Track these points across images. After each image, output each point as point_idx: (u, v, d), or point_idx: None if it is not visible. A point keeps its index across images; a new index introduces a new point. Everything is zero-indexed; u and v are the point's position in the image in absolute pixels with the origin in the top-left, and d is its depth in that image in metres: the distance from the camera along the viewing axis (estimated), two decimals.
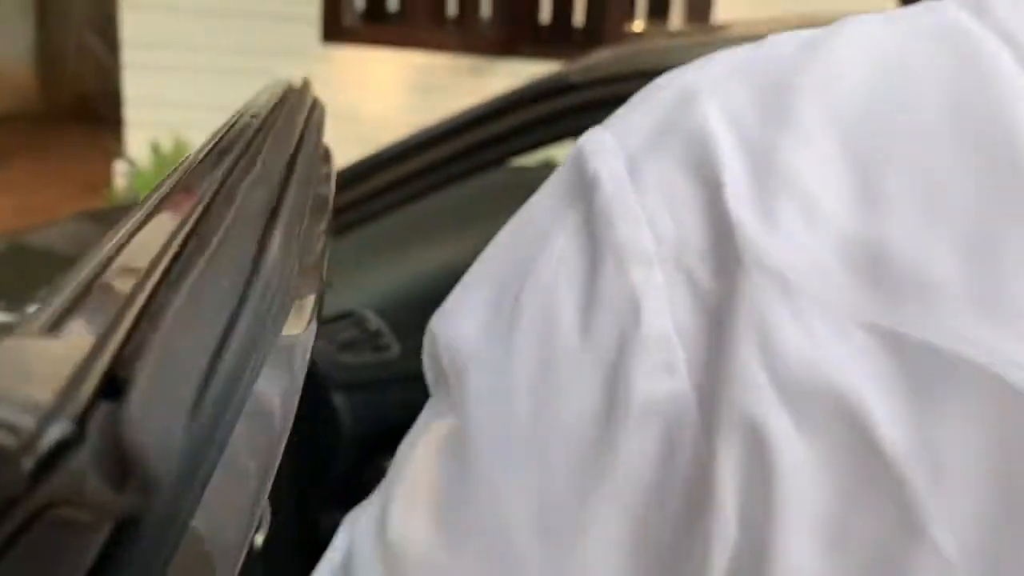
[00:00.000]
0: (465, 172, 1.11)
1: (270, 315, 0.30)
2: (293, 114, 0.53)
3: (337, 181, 1.23)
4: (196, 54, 4.05)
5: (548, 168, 2.32)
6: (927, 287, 0.24)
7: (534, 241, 0.30)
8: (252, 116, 0.48)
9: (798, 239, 0.25)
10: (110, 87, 4.66)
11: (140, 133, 4.11)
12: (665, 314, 0.26)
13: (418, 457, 0.31)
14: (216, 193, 0.34)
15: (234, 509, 0.26)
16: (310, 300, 0.38)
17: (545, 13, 4.23)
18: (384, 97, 4.15)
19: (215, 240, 0.29)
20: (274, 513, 1.17)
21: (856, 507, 0.24)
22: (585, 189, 0.29)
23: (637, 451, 0.26)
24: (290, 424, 0.31)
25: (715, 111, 0.28)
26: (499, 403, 0.28)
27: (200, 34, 4.08)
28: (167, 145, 3.98)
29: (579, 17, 4.21)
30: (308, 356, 0.35)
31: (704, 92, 0.29)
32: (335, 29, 4.13)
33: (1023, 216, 0.24)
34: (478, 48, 4.12)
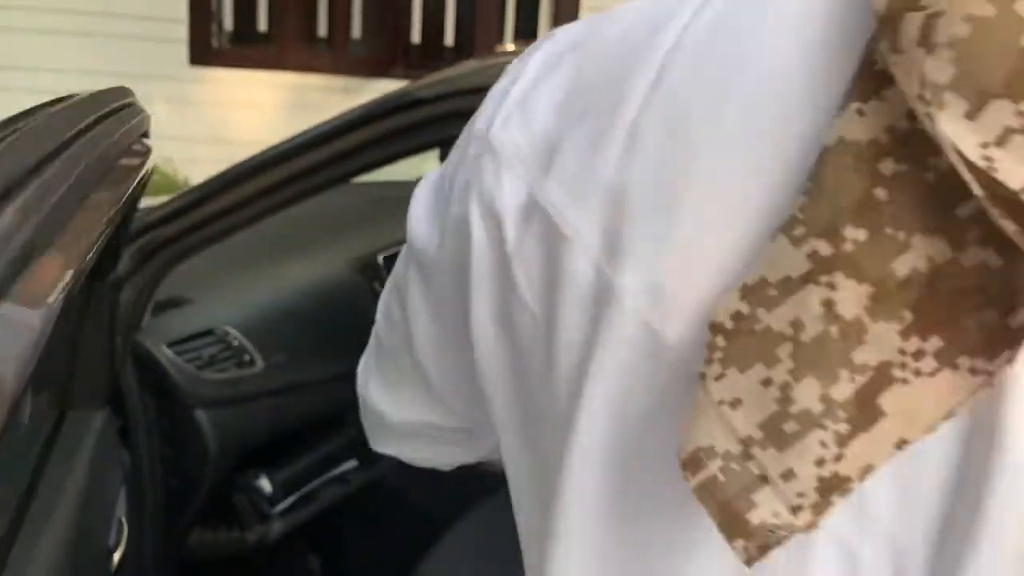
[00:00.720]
0: (316, 187, 1.13)
1: None
2: (79, 111, 0.56)
3: (193, 196, 1.24)
4: (61, 76, 3.94)
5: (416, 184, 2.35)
6: (556, 172, 0.42)
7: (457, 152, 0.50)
8: (32, 117, 0.51)
9: (513, 135, 0.44)
10: None
11: None
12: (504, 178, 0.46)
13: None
14: None
15: None
16: (64, 275, 0.41)
17: (416, 33, 4.28)
18: (256, 118, 4.12)
19: None
20: (138, 529, 1.16)
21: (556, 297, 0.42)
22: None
23: (470, 241, 0.46)
24: (18, 393, 0.34)
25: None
26: (432, 245, 0.50)
27: (66, 56, 3.98)
28: None
29: (449, 37, 4.28)
30: (48, 327, 0.38)
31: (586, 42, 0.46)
32: (203, 51, 4.08)
33: (683, 149, 0.38)
34: (349, 68, 4.14)
